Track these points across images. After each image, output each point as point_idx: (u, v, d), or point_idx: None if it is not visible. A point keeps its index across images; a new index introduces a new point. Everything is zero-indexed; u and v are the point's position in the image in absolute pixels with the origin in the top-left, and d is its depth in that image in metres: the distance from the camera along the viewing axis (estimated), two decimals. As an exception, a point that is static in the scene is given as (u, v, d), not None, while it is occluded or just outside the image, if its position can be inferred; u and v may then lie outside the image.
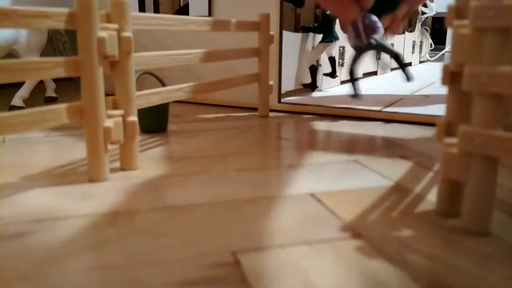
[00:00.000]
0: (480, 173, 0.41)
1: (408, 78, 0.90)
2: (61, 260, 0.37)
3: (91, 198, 0.51)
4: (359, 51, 0.90)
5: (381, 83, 1.61)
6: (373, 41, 0.84)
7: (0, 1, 1.00)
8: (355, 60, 0.92)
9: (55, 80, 1.27)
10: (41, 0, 0.88)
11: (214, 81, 0.86)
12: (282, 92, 1.12)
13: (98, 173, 0.57)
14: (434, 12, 2.66)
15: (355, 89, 0.93)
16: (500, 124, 0.40)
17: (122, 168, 0.62)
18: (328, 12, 1.29)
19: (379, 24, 0.86)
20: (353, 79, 0.93)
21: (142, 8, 1.49)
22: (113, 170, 0.60)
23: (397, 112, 0.99)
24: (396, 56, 0.90)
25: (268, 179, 0.58)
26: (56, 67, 0.52)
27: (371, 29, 0.86)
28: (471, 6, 0.40)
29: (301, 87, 1.36)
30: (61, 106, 0.53)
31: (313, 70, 1.34)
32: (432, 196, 0.51)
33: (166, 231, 0.43)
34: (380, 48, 0.89)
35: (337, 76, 1.44)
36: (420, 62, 2.74)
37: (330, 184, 0.56)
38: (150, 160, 0.67)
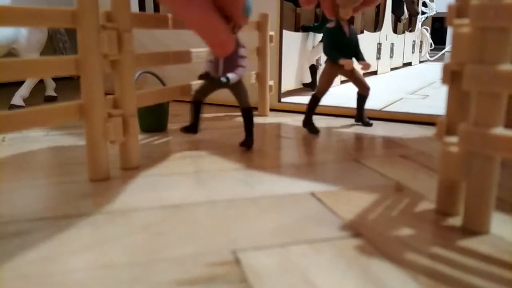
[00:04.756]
0: (480, 172, 0.41)
1: (248, 144, 0.73)
2: (61, 258, 0.37)
3: (91, 196, 0.51)
4: (208, 86, 0.73)
5: (380, 83, 1.61)
6: (224, 79, 0.68)
7: (0, 0, 1.00)
8: (198, 93, 0.74)
9: (55, 79, 1.27)
10: (41, -1, 0.88)
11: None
12: (282, 91, 1.12)
13: (98, 172, 0.57)
14: (434, 12, 2.67)
15: (190, 126, 0.75)
16: (500, 123, 0.40)
17: (122, 167, 0.62)
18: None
19: (243, 62, 0.70)
20: (194, 113, 0.75)
21: (142, 8, 1.49)
22: (113, 169, 0.60)
23: (397, 112, 0.99)
24: (246, 111, 0.72)
25: (268, 178, 0.58)
26: (56, 66, 0.52)
27: (232, 63, 0.70)
28: (472, 5, 0.40)
29: (301, 86, 1.36)
30: (61, 105, 0.53)
31: (313, 69, 1.34)
32: (432, 195, 0.51)
33: (166, 230, 0.43)
34: (233, 91, 0.72)
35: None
36: (420, 62, 2.75)
37: (330, 183, 0.56)
38: (150, 159, 0.67)
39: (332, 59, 0.84)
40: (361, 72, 0.88)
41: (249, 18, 0.67)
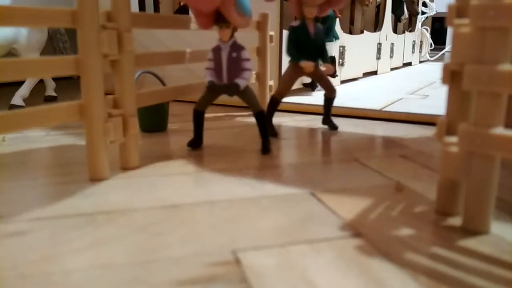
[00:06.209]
0: (480, 172, 0.41)
1: (266, 150, 0.70)
2: (61, 258, 0.37)
3: (91, 196, 0.51)
4: (212, 93, 0.69)
5: (380, 83, 1.62)
6: (233, 87, 0.66)
7: (1, 0, 1.00)
8: (202, 103, 0.71)
9: (55, 79, 1.27)
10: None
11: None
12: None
13: (98, 171, 0.57)
14: (434, 12, 2.66)
15: (194, 141, 0.73)
16: (500, 123, 0.40)
17: (122, 167, 0.62)
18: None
19: (248, 65, 0.67)
20: (196, 126, 0.73)
21: (142, 8, 1.49)
22: (113, 169, 0.60)
23: (397, 112, 0.99)
24: (259, 114, 0.70)
25: (268, 178, 0.58)
26: (56, 66, 0.52)
27: (237, 67, 0.66)
28: (472, 5, 0.40)
29: (301, 86, 1.36)
30: (61, 105, 0.53)
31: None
32: (432, 195, 0.51)
33: (166, 230, 0.43)
34: (242, 97, 0.69)
35: (337, 75, 1.44)
36: (420, 62, 2.75)
37: (330, 183, 0.56)
38: (150, 159, 0.67)
39: (293, 59, 0.80)
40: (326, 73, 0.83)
41: (246, 17, 0.66)
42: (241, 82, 0.66)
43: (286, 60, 1.13)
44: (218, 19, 0.66)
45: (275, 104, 0.84)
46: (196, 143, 0.73)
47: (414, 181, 0.57)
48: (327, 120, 0.90)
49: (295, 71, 0.82)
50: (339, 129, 0.88)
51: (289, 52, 0.81)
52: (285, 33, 1.12)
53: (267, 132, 0.71)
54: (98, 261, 0.37)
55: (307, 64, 0.79)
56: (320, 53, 0.82)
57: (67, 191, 0.53)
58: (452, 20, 0.43)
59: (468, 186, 0.43)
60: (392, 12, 2.09)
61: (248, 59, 0.67)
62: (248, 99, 0.69)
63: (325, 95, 0.87)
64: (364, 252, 0.39)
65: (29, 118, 0.49)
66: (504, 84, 0.39)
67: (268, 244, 0.40)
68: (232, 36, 0.67)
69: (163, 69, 0.94)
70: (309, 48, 0.80)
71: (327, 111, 0.89)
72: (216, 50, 0.68)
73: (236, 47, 0.67)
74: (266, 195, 0.52)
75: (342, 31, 1.48)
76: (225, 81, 0.67)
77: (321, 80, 0.85)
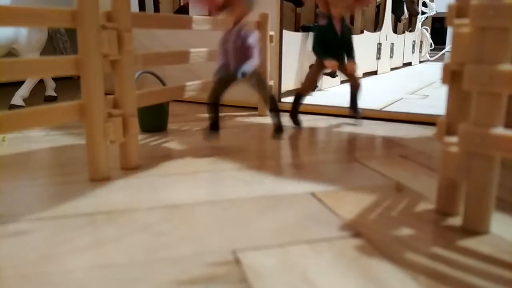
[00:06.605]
0: (480, 172, 0.41)
1: (279, 130, 0.75)
2: (61, 258, 0.37)
3: (90, 196, 0.51)
4: (223, 83, 0.70)
5: (380, 83, 1.62)
6: (239, 75, 0.65)
7: (1, 0, 1.00)
8: (215, 94, 0.70)
9: (55, 79, 1.27)
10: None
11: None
12: (282, 91, 1.12)
13: (98, 171, 0.57)
14: (434, 12, 2.66)
15: (212, 126, 0.73)
16: (500, 123, 0.40)
17: (122, 167, 0.62)
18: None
19: (254, 53, 0.67)
20: (213, 113, 0.72)
21: (142, 8, 1.49)
22: (113, 169, 0.60)
23: (397, 112, 0.99)
24: (271, 99, 0.73)
25: (268, 178, 0.58)
26: (56, 66, 0.52)
27: (242, 55, 0.67)
28: (472, 5, 0.40)
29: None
30: (61, 105, 0.53)
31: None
32: (432, 195, 0.51)
33: (166, 230, 0.43)
34: (252, 84, 0.70)
35: (337, 75, 1.44)
36: (420, 62, 2.75)
37: (330, 183, 0.56)
38: (150, 159, 0.67)
39: (319, 57, 0.85)
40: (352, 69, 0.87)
41: (250, 7, 0.68)
42: (247, 69, 0.66)
43: (286, 60, 1.13)
44: (222, 5, 0.67)
45: (299, 99, 0.89)
46: (214, 127, 0.73)
47: (414, 181, 0.57)
48: (353, 108, 0.93)
49: (320, 68, 0.86)
50: (339, 129, 0.89)
51: (315, 50, 0.85)
52: (285, 33, 1.12)
53: (279, 115, 0.74)
54: (98, 261, 0.37)
55: (331, 63, 0.83)
56: (346, 51, 0.86)
57: (67, 191, 0.53)
58: (452, 20, 0.43)
59: (468, 186, 0.43)
60: (392, 12, 2.09)
61: (253, 47, 0.67)
62: (257, 86, 0.70)
63: (350, 87, 0.92)
64: (364, 252, 0.39)
65: (29, 118, 0.49)
66: (504, 84, 0.39)
67: (268, 244, 0.40)
68: (237, 22, 0.68)
69: (163, 69, 0.94)
70: (335, 47, 0.84)
71: (353, 103, 0.93)
72: (224, 37, 0.69)
73: (240, 35, 0.67)
74: (266, 195, 0.52)
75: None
76: (232, 69, 0.68)
77: (347, 74, 0.89)
